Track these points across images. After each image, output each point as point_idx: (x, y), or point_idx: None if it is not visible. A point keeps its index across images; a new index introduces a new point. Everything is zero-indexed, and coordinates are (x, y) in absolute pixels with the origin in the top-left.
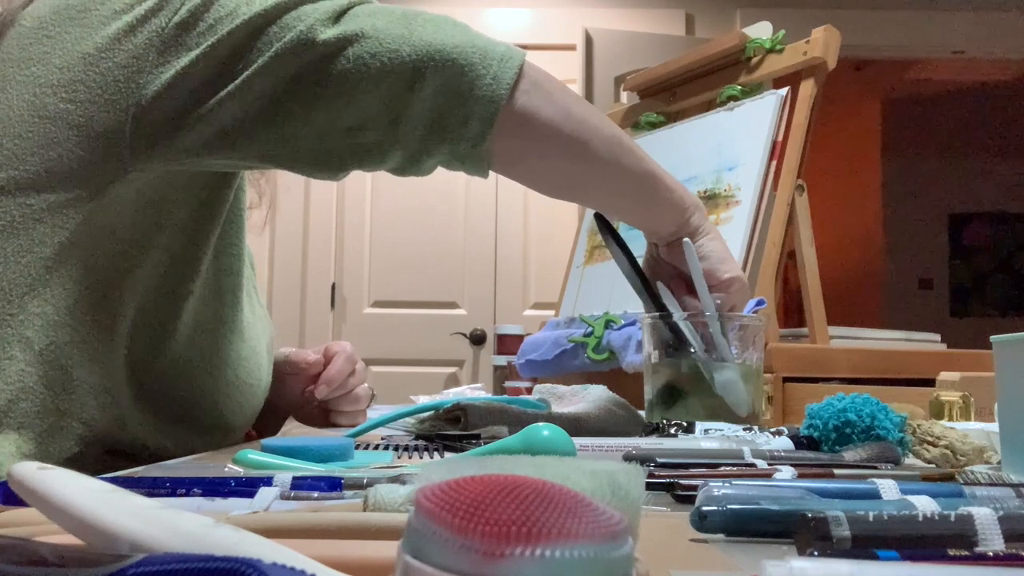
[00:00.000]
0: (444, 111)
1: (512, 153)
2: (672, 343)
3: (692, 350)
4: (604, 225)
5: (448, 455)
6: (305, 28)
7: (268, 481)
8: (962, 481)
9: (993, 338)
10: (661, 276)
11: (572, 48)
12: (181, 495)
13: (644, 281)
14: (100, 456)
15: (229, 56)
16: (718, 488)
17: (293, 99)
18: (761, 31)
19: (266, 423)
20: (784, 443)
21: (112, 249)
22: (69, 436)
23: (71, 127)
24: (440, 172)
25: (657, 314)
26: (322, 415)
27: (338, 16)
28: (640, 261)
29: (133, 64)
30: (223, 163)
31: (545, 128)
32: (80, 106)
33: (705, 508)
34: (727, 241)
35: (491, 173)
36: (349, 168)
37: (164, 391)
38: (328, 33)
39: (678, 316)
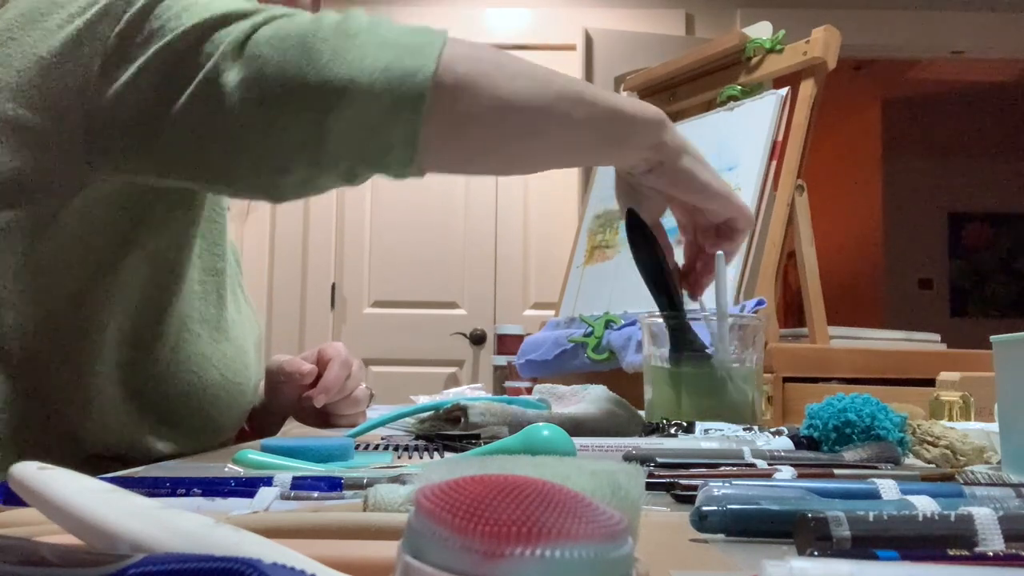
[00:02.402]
0: (362, 144)
1: (454, 158)
2: (683, 343)
3: (708, 351)
4: (634, 220)
5: (448, 455)
6: (212, 67)
7: (268, 481)
8: (962, 481)
9: (993, 338)
10: (639, 203)
11: (572, 48)
12: (181, 495)
13: (664, 280)
14: (88, 461)
15: (160, 80)
16: (718, 488)
17: (213, 141)
18: (761, 31)
19: (265, 425)
20: (784, 443)
21: (85, 256)
22: (54, 444)
23: (28, 133)
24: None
25: (672, 314)
26: (322, 417)
27: (241, 47)
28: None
29: (81, 73)
30: (176, 185)
31: (480, 128)
32: (37, 113)
33: (705, 508)
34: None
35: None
36: (292, 199)
37: (152, 393)
38: (230, 78)
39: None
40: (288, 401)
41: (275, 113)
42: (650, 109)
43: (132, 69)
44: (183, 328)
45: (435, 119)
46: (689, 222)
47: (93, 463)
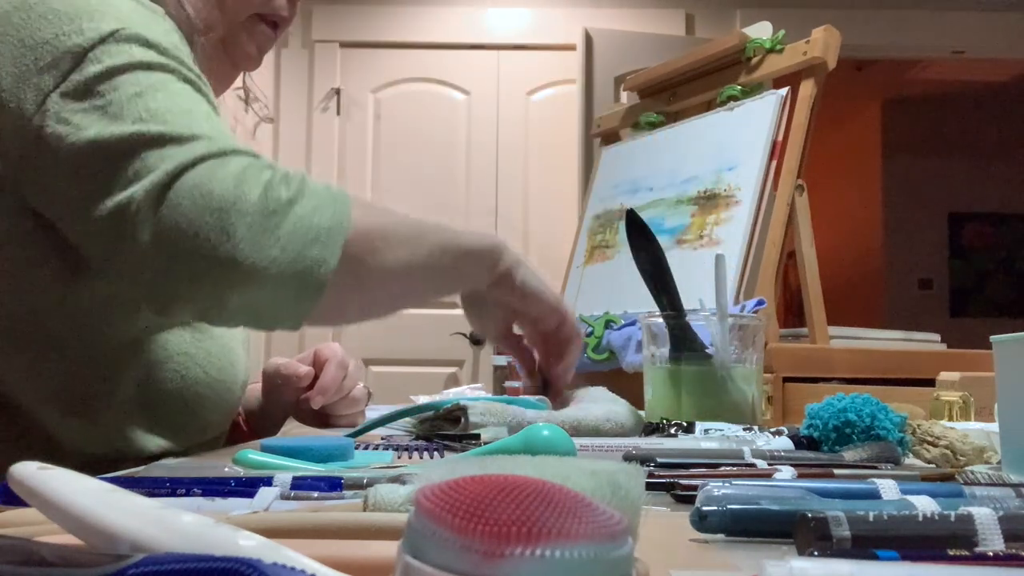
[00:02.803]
0: (256, 316)
1: (334, 320)
2: (683, 343)
3: (708, 351)
4: (634, 221)
5: (448, 455)
6: (128, 197)
7: (268, 481)
8: (962, 481)
9: (993, 338)
10: (488, 318)
11: (572, 48)
12: (181, 495)
13: (664, 280)
14: (77, 468)
15: (85, 161)
16: (718, 488)
17: (118, 257)
18: (761, 31)
19: (263, 427)
20: (784, 443)
21: (63, 257)
22: (38, 455)
23: None
24: (439, 172)
25: (672, 314)
26: (320, 418)
27: (163, 191)
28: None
29: (29, 103)
30: None
31: (364, 296)
32: None
33: (705, 508)
34: (727, 242)
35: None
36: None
37: (136, 392)
38: (144, 218)
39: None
40: (286, 403)
41: (179, 271)
42: (487, 238)
43: (71, 124)
44: (163, 327)
45: (326, 298)
46: (534, 334)
47: (77, 465)
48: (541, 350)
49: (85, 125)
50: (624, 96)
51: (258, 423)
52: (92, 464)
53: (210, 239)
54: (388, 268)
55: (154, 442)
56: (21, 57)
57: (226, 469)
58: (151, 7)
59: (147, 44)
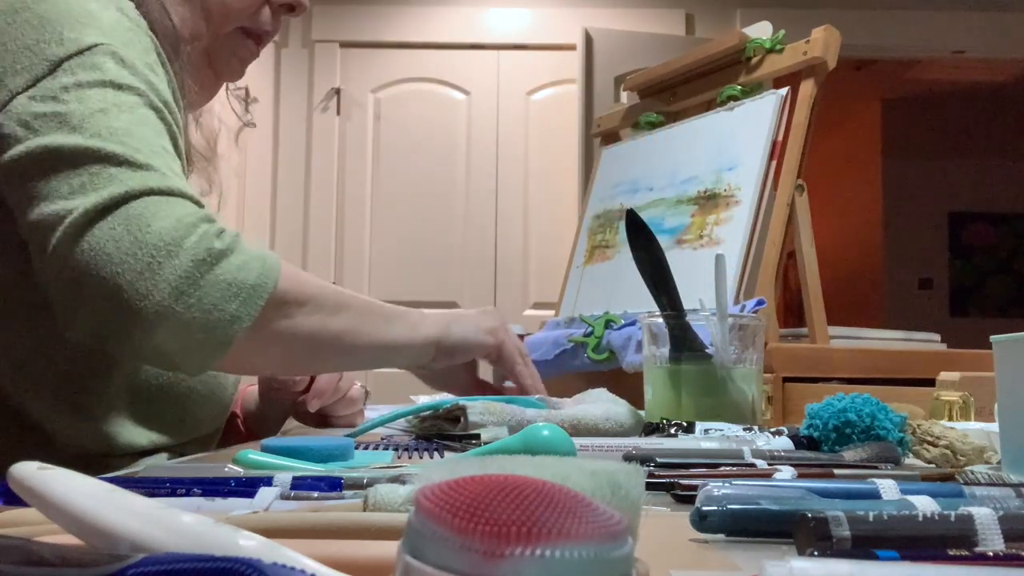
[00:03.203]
0: (157, 356)
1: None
2: (683, 343)
3: (708, 351)
4: (634, 221)
5: (448, 455)
6: (52, 222)
7: (268, 481)
8: (962, 481)
9: (993, 338)
10: (449, 380)
11: (572, 48)
12: (181, 495)
13: (664, 280)
14: (69, 461)
15: (23, 171)
16: (718, 488)
17: (40, 273)
18: (761, 31)
19: (262, 427)
20: (784, 443)
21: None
22: (30, 447)
23: None
24: (439, 172)
25: (672, 314)
26: (319, 419)
27: (102, 212)
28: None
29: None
30: None
31: (265, 364)
32: None
33: (705, 508)
34: (728, 242)
35: (493, 169)
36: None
37: (128, 387)
38: (68, 248)
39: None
40: (283, 407)
41: (89, 295)
42: (419, 330)
43: (29, 128)
44: None
45: (231, 353)
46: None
47: (69, 459)
48: (509, 377)
49: (44, 131)
50: (624, 96)
51: (255, 425)
52: (84, 458)
53: (132, 272)
54: (302, 333)
55: (145, 436)
56: (1, 58)
57: (226, 469)
58: (134, 19)
59: (122, 62)
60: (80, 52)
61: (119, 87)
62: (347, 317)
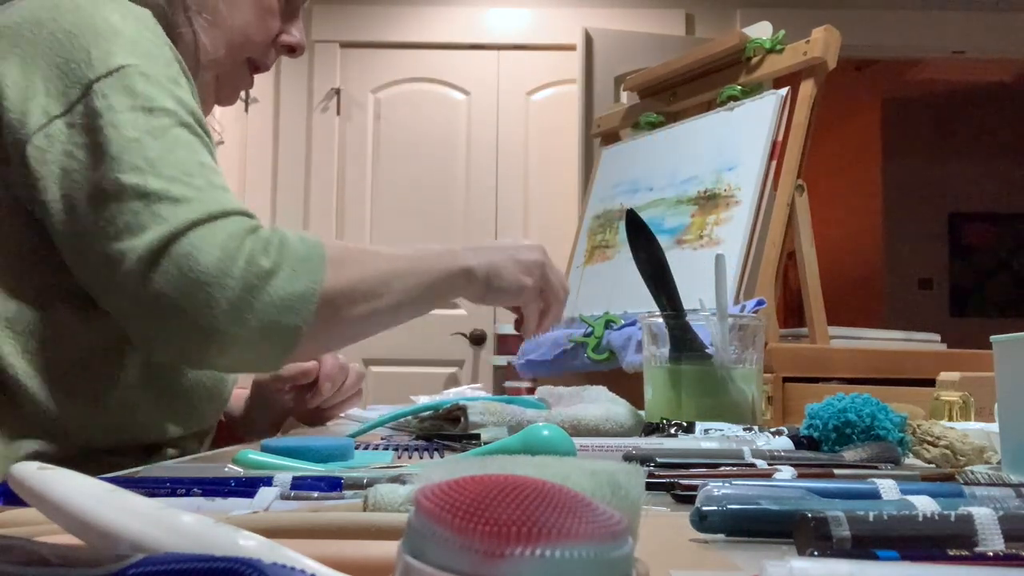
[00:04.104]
0: (235, 366)
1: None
2: (683, 343)
3: (708, 351)
4: (634, 221)
5: (448, 455)
6: (119, 252)
7: (268, 481)
8: (962, 481)
9: (993, 338)
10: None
11: (572, 48)
12: (181, 495)
13: (664, 280)
14: (79, 454)
15: (86, 196)
16: (718, 488)
17: (106, 292)
18: (761, 31)
19: (250, 430)
20: (784, 443)
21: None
22: (37, 439)
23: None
24: (439, 172)
25: (672, 314)
26: (321, 412)
27: (155, 257)
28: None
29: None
30: None
31: (335, 344)
32: None
33: (705, 508)
34: (728, 242)
35: (493, 168)
36: None
37: (142, 376)
38: (135, 293)
39: (695, 316)
40: (278, 409)
41: (165, 331)
42: (451, 261)
43: (74, 159)
44: None
45: (301, 347)
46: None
47: (79, 452)
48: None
49: (89, 164)
50: (624, 96)
51: (238, 429)
52: (94, 451)
53: (193, 309)
54: (356, 319)
55: (153, 428)
56: (29, 73)
57: (226, 469)
58: (155, 31)
59: (148, 80)
60: (109, 73)
61: (150, 111)
62: (393, 293)
